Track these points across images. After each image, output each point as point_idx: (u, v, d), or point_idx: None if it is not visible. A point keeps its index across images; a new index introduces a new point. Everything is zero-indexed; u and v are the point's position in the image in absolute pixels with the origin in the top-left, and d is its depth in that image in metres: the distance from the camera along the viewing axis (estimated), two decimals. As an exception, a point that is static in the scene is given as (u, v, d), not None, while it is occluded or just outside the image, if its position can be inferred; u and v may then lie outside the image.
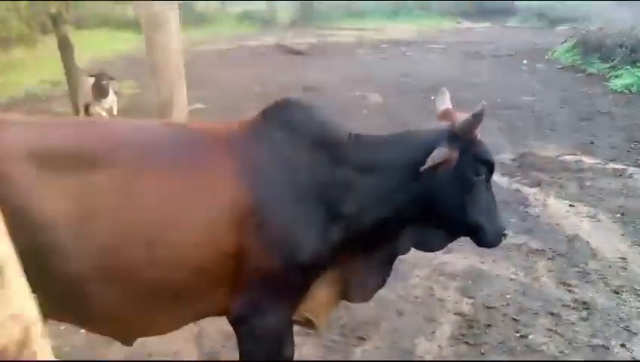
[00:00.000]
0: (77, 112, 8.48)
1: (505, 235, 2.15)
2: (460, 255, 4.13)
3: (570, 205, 5.11)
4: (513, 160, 6.38)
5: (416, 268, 3.99)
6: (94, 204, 1.72)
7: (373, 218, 2.03)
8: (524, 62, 13.88)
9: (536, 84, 10.98)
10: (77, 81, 8.56)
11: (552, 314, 3.47)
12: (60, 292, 1.73)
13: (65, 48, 8.87)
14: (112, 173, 1.75)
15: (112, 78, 8.47)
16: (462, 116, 2.05)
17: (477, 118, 1.98)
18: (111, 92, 8.17)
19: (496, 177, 5.63)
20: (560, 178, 5.76)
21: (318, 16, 32.77)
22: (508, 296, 3.68)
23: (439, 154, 1.92)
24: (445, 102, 2.29)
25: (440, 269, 4.00)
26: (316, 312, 2.27)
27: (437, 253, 4.07)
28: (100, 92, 7.96)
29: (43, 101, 10.40)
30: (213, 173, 1.88)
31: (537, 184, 5.62)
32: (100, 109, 8.11)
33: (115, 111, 8.42)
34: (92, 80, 7.98)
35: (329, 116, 2.14)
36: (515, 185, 5.58)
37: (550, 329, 3.32)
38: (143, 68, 14.69)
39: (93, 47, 18.52)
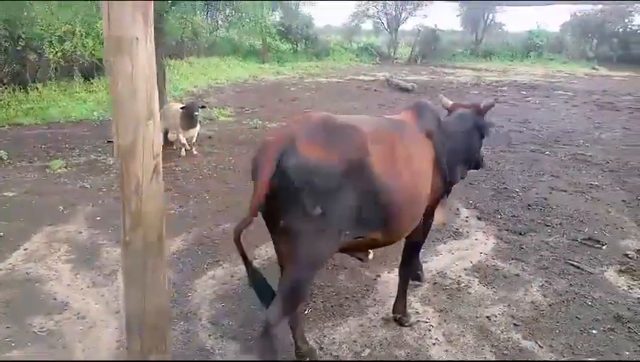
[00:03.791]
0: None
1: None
2: None
3: None
4: (639, 251, 4.76)
5: None
6: (400, 164, 2.71)
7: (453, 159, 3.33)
8: (672, 118, 11.61)
9: (684, 148, 8.89)
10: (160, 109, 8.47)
11: None
12: (378, 214, 2.61)
13: (157, 77, 8.86)
14: (401, 147, 2.77)
15: (203, 107, 8.28)
16: (469, 104, 3.66)
17: (492, 105, 3.59)
18: (199, 122, 7.92)
19: (610, 276, 4.20)
20: None
21: (441, 54, 31.64)
22: None
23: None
24: (448, 101, 3.74)
25: None
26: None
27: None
28: (188, 123, 7.68)
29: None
30: (424, 144, 3.04)
31: (670, 294, 4.01)
32: (181, 137, 7.80)
33: (194, 140, 8.08)
34: (177, 108, 7.70)
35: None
36: (637, 292, 3.96)
37: None
38: (245, 95, 15.25)
39: (215, 72, 19.49)
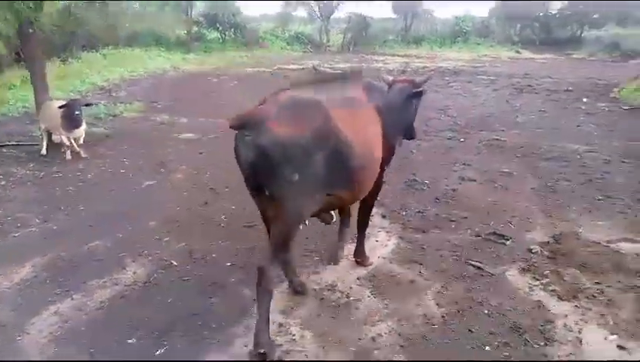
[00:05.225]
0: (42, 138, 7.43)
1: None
2: None
3: (621, 347, 3.06)
4: (544, 244, 4.45)
5: None
6: (359, 131, 3.17)
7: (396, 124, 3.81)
8: (584, 100, 11.77)
9: (594, 129, 8.91)
10: (39, 108, 7.69)
11: None
12: (343, 174, 3.04)
13: (34, 74, 8.13)
14: (357, 117, 3.26)
15: (88, 104, 7.49)
16: (407, 79, 3.95)
17: (426, 80, 3.97)
18: (83, 122, 7.09)
19: (512, 276, 3.87)
20: (611, 286, 3.76)
21: (372, 41, 31.55)
22: None
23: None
24: (388, 77, 4.05)
25: None
26: None
27: None
28: (70, 123, 6.86)
29: (31, 122, 9.39)
30: (374, 116, 3.51)
31: (574, 295, 3.65)
32: (65, 139, 6.97)
33: (81, 140, 7.26)
34: (56, 107, 6.84)
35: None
36: (538, 294, 3.68)
37: None
38: (161, 88, 14.33)
39: (133, 64, 18.25)
